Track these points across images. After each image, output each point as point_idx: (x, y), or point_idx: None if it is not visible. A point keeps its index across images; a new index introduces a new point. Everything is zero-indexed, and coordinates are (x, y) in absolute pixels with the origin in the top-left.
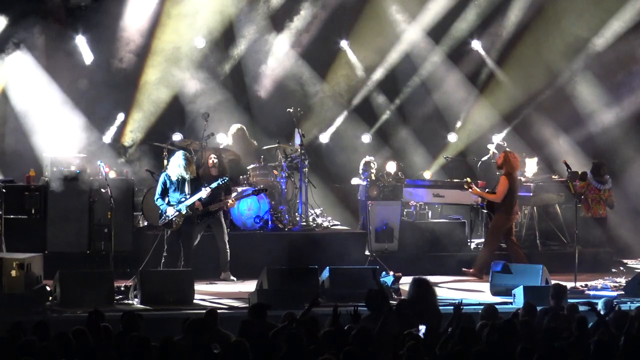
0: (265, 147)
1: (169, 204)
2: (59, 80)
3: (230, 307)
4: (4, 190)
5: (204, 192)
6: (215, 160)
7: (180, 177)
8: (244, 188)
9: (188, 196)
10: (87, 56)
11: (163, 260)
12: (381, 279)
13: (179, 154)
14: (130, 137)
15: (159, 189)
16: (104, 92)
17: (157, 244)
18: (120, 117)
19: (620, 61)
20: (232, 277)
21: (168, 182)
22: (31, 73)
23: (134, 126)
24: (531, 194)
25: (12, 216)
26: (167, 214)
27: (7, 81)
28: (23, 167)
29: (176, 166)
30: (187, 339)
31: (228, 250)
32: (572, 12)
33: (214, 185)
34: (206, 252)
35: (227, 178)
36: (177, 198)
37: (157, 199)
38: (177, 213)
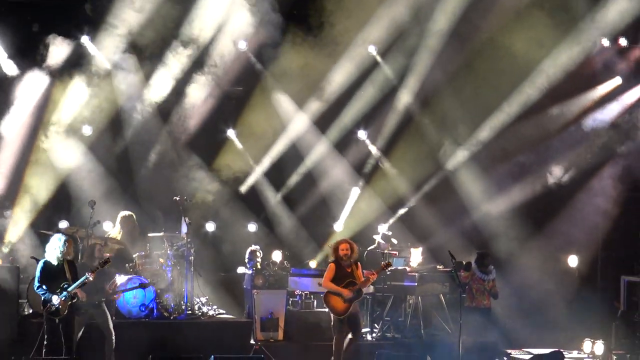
0: (151, 235)
1: (51, 291)
2: None
3: None
4: None
5: (89, 276)
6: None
7: (60, 262)
8: (130, 279)
9: (70, 282)
10: None
11: (45, 349)
12: None
13: (57, 236)
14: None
15: (38, 277)
16: None
17: (42, 332)
18: (6, 206)
19: (504, 152)
20: None
21: (47, 268)
22: None
23: (21, 214)
24: (416, 284)
25: None
26: (52, 302)
27: None
28: None
29: (54, 249)
30: None
31: (114, 339)
32: (457, 104)
33: (83, 279)
34: (91, 340)
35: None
36: (59, 284)
37: (37, 287)
38: (61, 300)
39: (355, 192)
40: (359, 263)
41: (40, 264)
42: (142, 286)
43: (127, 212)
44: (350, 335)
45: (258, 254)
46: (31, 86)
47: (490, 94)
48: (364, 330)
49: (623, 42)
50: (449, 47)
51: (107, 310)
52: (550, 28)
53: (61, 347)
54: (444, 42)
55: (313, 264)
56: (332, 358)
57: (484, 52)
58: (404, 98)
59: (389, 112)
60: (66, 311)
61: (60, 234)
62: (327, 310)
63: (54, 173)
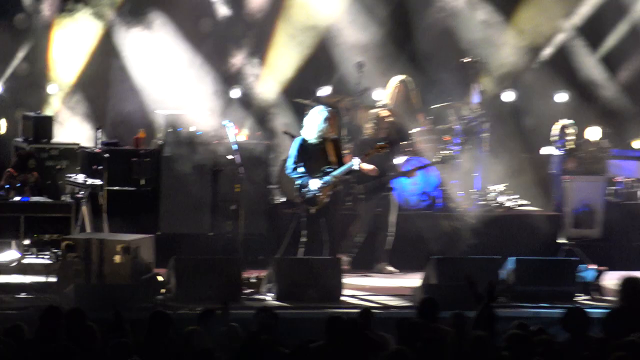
0: (433, 106)
1: (309, 174)
2: (176, 19)
3: (388, 306)
4: (106, 156)
5: (356, 161)
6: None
7: (320, 140)
8: (407, 160)
9: (334, 165)
10: None
11: (302, 247)
12: (579, 274)
13: (317, 109)
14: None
15: (292, 157)
16: (234, 34)
17: (297, 226)
18: (254, 65)
19: None
20: (390, 268)
21: (305, 146)
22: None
23: (271, 78)
24: None
25: (116, 188)
26: (308, 187)
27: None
28: (131, 127)
29: (313, 124)
30: (331, 344)
31: (393, 236)
32: None
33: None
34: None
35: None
36: (319, 167)
37: (290, 169)
38: (322, 186)
39: None
40: None
41: (297, 141)
42: (436, 163)
43: (402, 76)
44: None
45: (570, 130)
46: None
47: None
48: None
49: None
50: None
51: (395, 198)
52: None
53: (321, 244)
54: None
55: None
56: None
57: None
58: None
59: None
60: (326, 199)
61: (322, 107)
62: None
63: (312, 27)
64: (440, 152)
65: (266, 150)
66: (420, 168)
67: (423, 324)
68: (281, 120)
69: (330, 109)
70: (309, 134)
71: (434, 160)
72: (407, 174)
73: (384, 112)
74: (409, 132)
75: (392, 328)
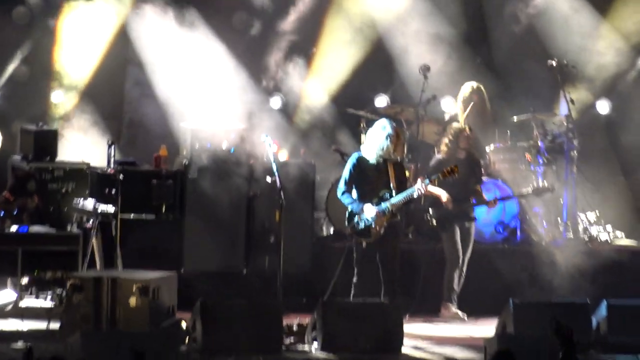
0: (513, 118)
1: (363, 200)
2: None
3: (457, 359)
4: (121, 177)
5: (420, 185)
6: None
7: (380, 160)
8: (496, 182)
9: (394, 190)
10: None
11: (353, 289)
12: None
13: (381, 123)
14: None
15: (345, 177)
16: (275, 36)
17: (348, 262)
18: (298, 70)
19: None
20: (458, 313)
21: (361, 166)
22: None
23: (318, 84)
24: None
25: (132, 216)
26: (363, 215)
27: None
28: (151, 143)
29: (376, 143)
30: None
31: (464, 274)
32: None
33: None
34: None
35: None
36: (377, 192)
37: (342, 193)
38: (377, 215)
39: None
40: None
41: (352, 158)
42: (536, 193)
43: (474, 83)
44: None
45: None
46: None
47: None
48: None
49: None
50: None
51: (473, 231)
52: None
53: (376, 285)
54: None
55: None
56: None
57: None
58: None
59: None
60: (382, 231)
61: (387, 121)
62: None
63: (366, 26)
64: (535, 182)
65: (311, 171)
66: (504, 199)
67: None
68: (330, 135)
69: (396, 126)
70: (368, 152)
71: (523, 192)
72: (489, 203)
73: (466, 130)
74: (484, 147)
75: None
